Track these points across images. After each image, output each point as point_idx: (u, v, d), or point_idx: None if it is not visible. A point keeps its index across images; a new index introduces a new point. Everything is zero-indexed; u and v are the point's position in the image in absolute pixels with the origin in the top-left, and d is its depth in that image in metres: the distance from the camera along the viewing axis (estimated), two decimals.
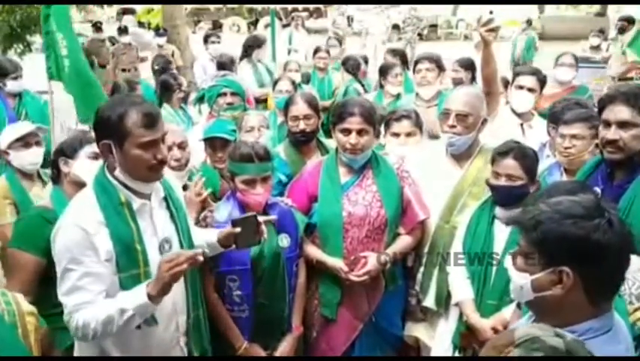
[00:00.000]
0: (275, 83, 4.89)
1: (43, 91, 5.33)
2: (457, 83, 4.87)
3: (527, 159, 2.57)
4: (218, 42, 7.62)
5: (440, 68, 4.59)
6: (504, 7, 16.11)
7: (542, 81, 4.06)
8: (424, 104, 4.32)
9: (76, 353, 2.18)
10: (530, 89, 3.95)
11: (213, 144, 3.16)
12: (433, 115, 4.06)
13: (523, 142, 2.79)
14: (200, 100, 4.14)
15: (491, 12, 6.28)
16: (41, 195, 3.07)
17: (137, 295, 1.92)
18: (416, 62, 4.71)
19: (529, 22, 12.40)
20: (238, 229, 2.22)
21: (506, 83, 4.76)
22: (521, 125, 3.89)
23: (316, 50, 6.83)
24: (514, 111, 3.97)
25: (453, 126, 2.84)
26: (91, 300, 1.94)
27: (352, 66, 6.41)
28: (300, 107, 3.19)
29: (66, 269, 1.94)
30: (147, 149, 1.98)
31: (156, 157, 1.99)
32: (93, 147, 2.62)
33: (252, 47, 6.47)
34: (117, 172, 2.02)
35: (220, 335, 2.56)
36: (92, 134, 2.24)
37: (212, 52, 7.41)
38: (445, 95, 4.53)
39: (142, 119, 1.95)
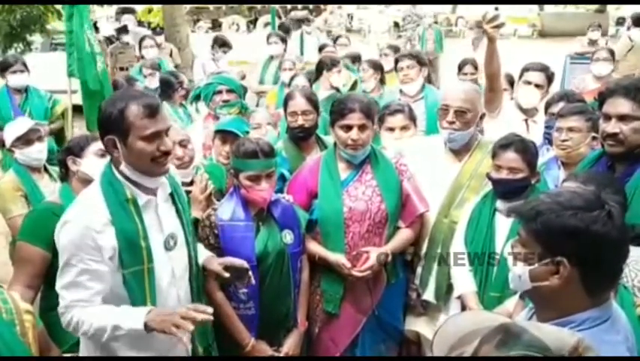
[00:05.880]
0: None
1: (49, 90, 5.36)
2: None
3: (528, 151, 2.59)
4: (225, 52, 7.61)
5: (420, 63, 4.62)
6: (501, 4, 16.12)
7: (550, 78, 4.07)
8: (409, 100, 4.32)
9: (81, 350, 2.18)
10: (538, 85, 3.95)
11: (224, 137, 3.14)
12: (420, 109, 4.11)
13: (528, 138, 2.81)
14: (196, 98, 4.15)
15: (496, 8, 6.31)
16: (50, 187, 3.12)
17: (136, 319, 1.94)
18: (397, 61, 4.75)
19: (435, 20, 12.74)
20: (227, 274, 2.28)
21: (510, 80, 4.78)
22: (525, 120, 3.91)
23: (322, 47, 6.89)
24: (519, 107, 3.98)
25: (452, 122, 2.86)
26: (88, 299, 1.97)
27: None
28: (298, 103, 3.20)
29: (67, 264, 1.97)
30: (151, 141, 1.98)
31: (160, 149, 2.00)
32: (100, 145, 2.66)
33: None
34: (123, 167, 2.02)
35: (227, 333, 2.57)
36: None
37: (216, 57, 7.44)
38: (429, 88, 4.57)
39: (143, 111, 1.96)
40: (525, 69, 4.08)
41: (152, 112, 1.98)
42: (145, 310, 1.96)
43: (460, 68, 5.78)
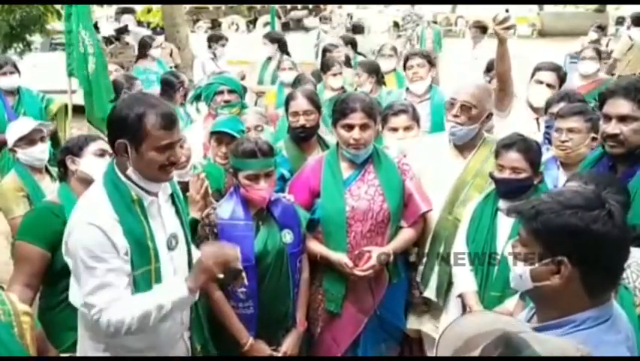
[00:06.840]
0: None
1: (48, 90, 5.35)
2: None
3: (531, 151, 2.60)
4: (224, 45, 7.62)
5: (430, 63, 4.63)
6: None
7: (562, 78, 4.07)
8: (416, 100, 4.33)
9: (79, 351, 2.17)
10: (549, 85, 3.95)
11: (220, 138, 3.14)
12: (426, 110, 4.11)
13: (538, 136, 2.80)
14: (197, 98, 4.14)
15: (507, 10, 6.29)
16: (51, 187, 3.12)
17: (176, 290, 1.94)
18: (407, 59, 4.75)
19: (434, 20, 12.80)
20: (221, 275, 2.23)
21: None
22: (537, 119, 3.91)
23: (326, 49, 6.86)
24: (530, 105, 3.98)
25: (456, 116, 2.87)
26: (120, 296, 1.93)
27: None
28: (299, 103, 3.20)
29: (89, 267, 1.92)
30: (163, 151, 1.97)
31: (169, 159, 1.99)
32: (99, 145, 2.67)
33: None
34: (129, 171, 2.01)
35: (225, 332, 2.57)
36: (95, 132, 2.28)
37: (217, 53, 7.45)
38: (436, 89, 4.58)
39: (161, 122, 1.94)
40: (537, 68, 4.08)
41: (169, 123, 1.97)
42: (179, 280, 1.98)
43: (489, 68, 5.69)
